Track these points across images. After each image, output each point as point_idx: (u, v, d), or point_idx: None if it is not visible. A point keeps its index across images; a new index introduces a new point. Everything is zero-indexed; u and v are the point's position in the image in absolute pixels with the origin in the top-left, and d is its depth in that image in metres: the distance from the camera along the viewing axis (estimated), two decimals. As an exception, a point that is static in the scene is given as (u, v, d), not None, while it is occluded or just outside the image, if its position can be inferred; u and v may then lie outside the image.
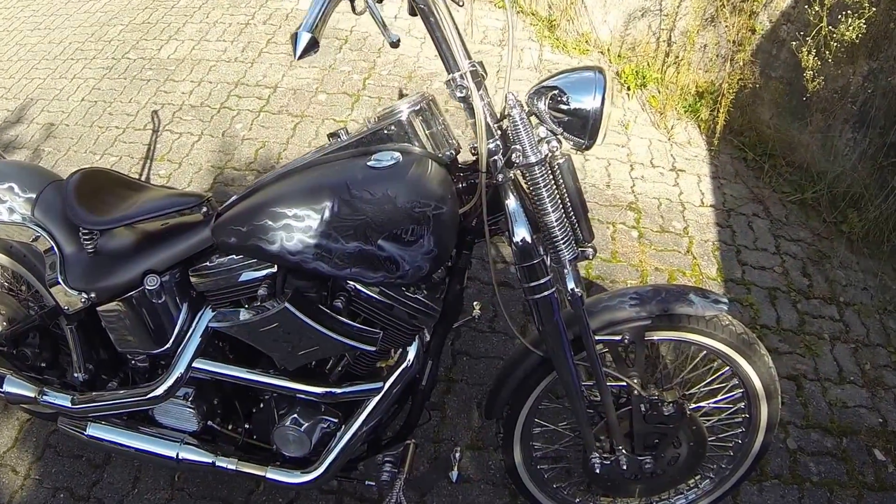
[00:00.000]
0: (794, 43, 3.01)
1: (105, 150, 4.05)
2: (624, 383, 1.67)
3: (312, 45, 1.28)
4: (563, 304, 1.54)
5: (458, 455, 1.89)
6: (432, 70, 3.98)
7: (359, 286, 1.57)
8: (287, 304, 1.55)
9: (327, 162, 1.54)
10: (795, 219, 3.05)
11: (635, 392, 1.66)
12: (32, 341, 2.10)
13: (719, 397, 1.77)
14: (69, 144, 4.18)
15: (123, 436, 1.92)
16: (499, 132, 1.44)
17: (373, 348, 1.61)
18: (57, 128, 4.37)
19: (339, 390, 1.68)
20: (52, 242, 1.81)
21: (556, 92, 1.40)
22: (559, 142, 1.43)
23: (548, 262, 1.53)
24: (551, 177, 1.46)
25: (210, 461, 1.83)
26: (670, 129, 3.45)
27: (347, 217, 1.43)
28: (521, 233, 1.46)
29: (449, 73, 1.39)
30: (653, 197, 3.10)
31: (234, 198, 1.63)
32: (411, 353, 1.66)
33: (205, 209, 1.78)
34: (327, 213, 1.44)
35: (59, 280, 1.80)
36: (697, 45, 3.46)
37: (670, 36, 3.57)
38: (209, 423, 1.90)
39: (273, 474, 1.79)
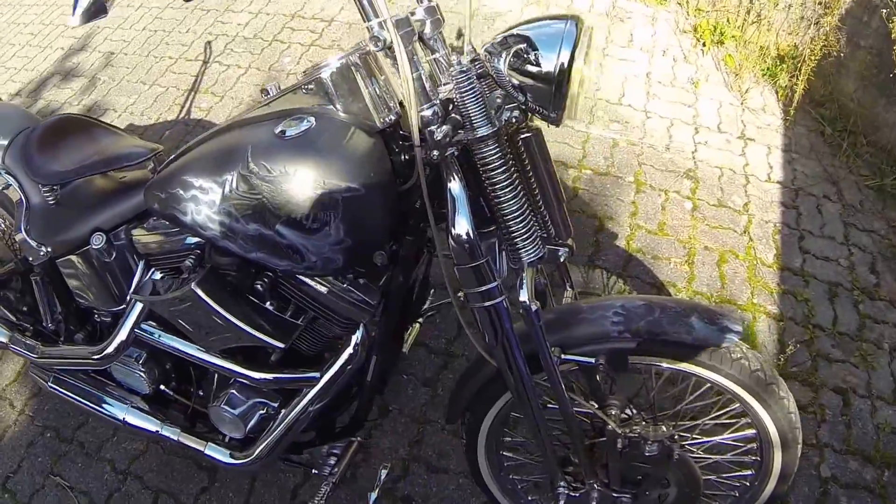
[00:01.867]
0: (884, 11, 2.62)
1: (155, 81, 3.97)
2: (601, 413, 1.35)
3: (100, 9, 1.05)
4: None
5: (384, 474, 1.67)
6: (498, 10, 3.69)
7: None
8: (193, 286, 1.37)
9: (246, 124, 1.31)
10: (871, 206, 2.63)
11: (609, 427, 1.33)
12: (15, 286, 2.05)
13: (727, 435, 1.44)
14: (123, 73, 4.11)
15: (80, 392, 1.88)
16: (438, 95, 1.15)
17: (281, 345, 1.43)
18: (116, 56, 4.31)
19: (273, 376, 1.51)
20: (20, 192, 1.74)
21: (522, 46, 1.10)
22: (522, 112, 1.15)
23: (502, 265, 1.25)
24: (510, 155, 1.17)
25: (155, 429, 1.75)
26: (744, 92, 3.06)
27: (245, 195, 1.23)
28: (459, 225, 1.13)
29: (365, 21, 1.08)
30: (715, 166, 2.75)
31: (171, 156, 1.43)
32: (351, 346, 1.42)
33: (151, 165, 1.68)
34: (227, 188, 1.25)
35: (23, 230, 1.73)
36: (782, 4, 3.07)
37: (753, -11, 3.18)
38: (161, 388, 1.81)
39: (211, 451, 1.68)
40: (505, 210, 1.16)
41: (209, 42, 4.13)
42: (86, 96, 4.05)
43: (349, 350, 1.42)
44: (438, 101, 1.13)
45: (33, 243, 1.72)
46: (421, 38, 1.18)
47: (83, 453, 2.23)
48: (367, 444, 2.04)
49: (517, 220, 1.17)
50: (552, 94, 1.09)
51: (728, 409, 1.38)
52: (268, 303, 1.46)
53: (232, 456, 1.64)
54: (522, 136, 1.19)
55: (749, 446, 1.43)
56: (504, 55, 1.10)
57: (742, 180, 2.70)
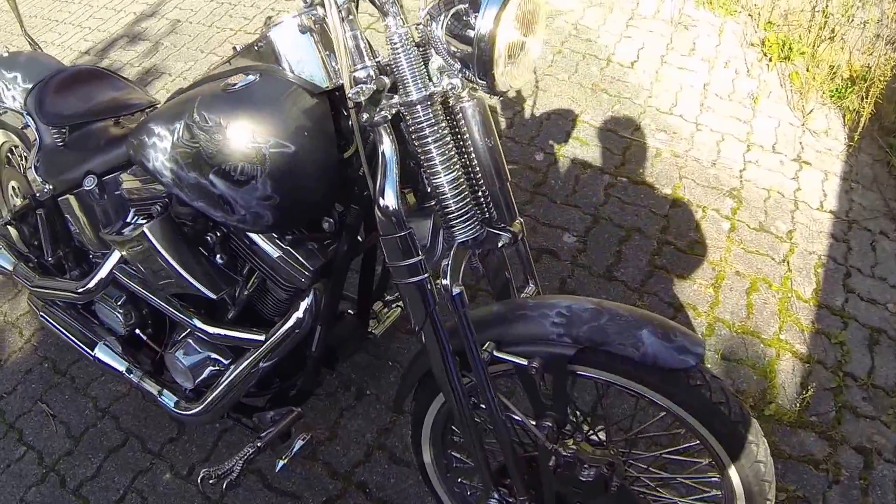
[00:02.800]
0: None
1: (212, 50, 3.97)
2: (530, 424, 1.21)
3: None
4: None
5: (299, 444, 1.59)
6: (559, 8, 3.50)
7: None
8: (144, 229, 1.44)
9: (207, 80, 1.33)
10: (934, 250, 2.35)
11: (540, 442, 1.18)
12: (30, 220, 2.15)
13: (686, 473, 1.21)
14: (185, 41, 4.11)
15: (63, 323, 1.99)
16: (376, 58, 1.13)
17: (212, 295, 1.48)
18: (181, 25, 4.32)
19: (221, 332, 1.53)
20: (35, 133, 1.86)
21: (462, 7, 1.02)
22: (463, 81, 1.08)
23: (437, 243, 1.21)
24: (445, 124, 1.12)
25: (121, 369, 1.82)
26: (807, 113, 2.79)
27: (187, 143, 1.26)
28: (386, 193, 1.08)
29: None
30: (762, 187, 2.50)
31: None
32: (296, 313, 1.41)
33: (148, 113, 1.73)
34: (175, 136, 1.28)
35: (33, 167, 1.86)
36: (857, 20, 2.79)
37: (827, 4, 2.91)
38: (137, 332, 1.87)
39: (164, 398, 1.73)
40: (436, 182, 1.12)
41: (270, 17, 4.06)
42: (147, 59, 4.07)
43: (296, 315, 1.40)
44: (373, 64, 1.09)
45: (39, 180, 1.85)
46: (372, 1, 1.14)
47: (72, 387, 2.33)
48: (306, 416, 1.92)
49: (450, 194, 1.13)
50: (475, 57, 1.02)
51: (688, 444, 1.16)
52: (217, 256, 1.51)
53: (178, 406, 1.67)
54: (463, 105, 1.14)
55: (713, 492, 1.20)
56: (443, 17, 1.04)
57: (790, 206, 2.45)
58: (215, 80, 1.31)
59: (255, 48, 1.23)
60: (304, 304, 1.40)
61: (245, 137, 1.19)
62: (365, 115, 1.08)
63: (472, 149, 1.16)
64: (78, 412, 2.25)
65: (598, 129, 2.78)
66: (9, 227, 2.28)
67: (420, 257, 1.11)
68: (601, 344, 1.08)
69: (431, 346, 1.16)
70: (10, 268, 2.15)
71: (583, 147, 2.70)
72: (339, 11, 1.04)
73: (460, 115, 1.15)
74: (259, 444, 1.56)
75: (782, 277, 2.19)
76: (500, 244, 1.20)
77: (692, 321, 2.06)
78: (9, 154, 2.33)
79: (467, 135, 1.15)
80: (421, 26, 1.08)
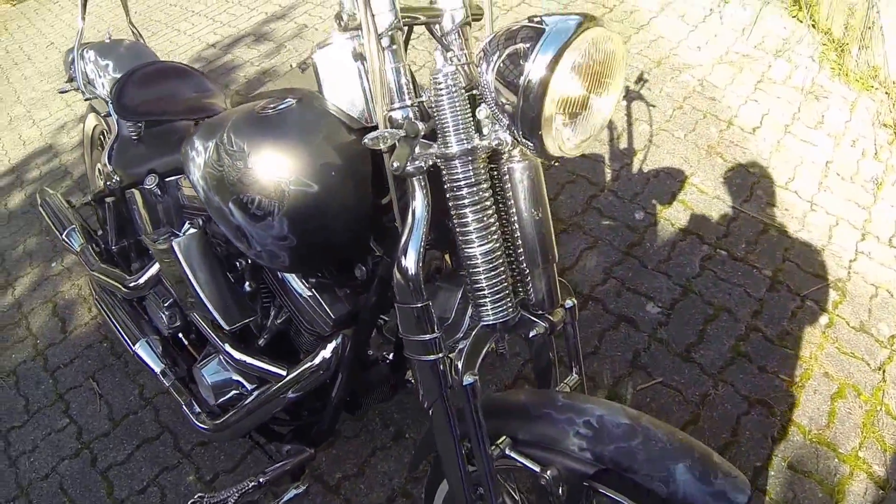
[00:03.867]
0: None
1: None
2: None
3: None
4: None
5: (291, 494, 1.60)
6: (688, 62, 3.41)
7: None
8: (173, 243, 1.43)
9: (253, 98, 1.31)
10: None
11: None
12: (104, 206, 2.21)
13: None
14: (307, 47, 4.21)
15: (113, 311, 2.04)
16: (419, 98, 1.02)
17: (226, 325, 1.45)
18: (307, 30, 4.47)
19: (245, 359, 1.49)
20: (114, 123, 1.93)
21: (522, 47, 0.87)
22: (511, 134, 0.95)
23: (463, 320, 1.11)
24: (487, 185, 0.99)
25: (157, 369, 1.84)
26: (937, 207, 2.64)
27: (213, 164, 1.21)
28: (408, 254, 0.97)
29: None
30: (871, 282, 2.35)
31: None
32: (321, 353, 1.35)
33: None
34: (207, 155, 1.24)
35: (106, 156, 1.92)
36: None
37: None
38: (179, 336, 1.89)
39: (186, 408, 1.73)
40: (468, 252, 1.00)
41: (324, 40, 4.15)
42: (267, 59, 4.23)
43: (321, 356, 1.35)
44: (414, 104, 0.99)
45: (110, 169, 1.88)
46: (430, 31, 1.09)
47: (124, 371, 2.46)
48: (317, 458, 1.93)
49: (483, 268, 1.00)
50: (519, 110, 0.88)
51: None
52: (245, 284, 1.50)
53: (200, 418, 1.67)
54: (512, 165, 1.00)
55: None
56: (496, 57, 0.89)
57: (899, 307, 2.31)
58: (255, 99, 1.29)
59: (301, 69, 1.20)
60: (329, 347, 1.34)
61: (267, 169, 1.12)
62: (396, 163, 0.94)
63: (515, 218, 1.02)
64: (123, 396, 2.37)
65: (706, 194, 2.69)
66: (90, 208, 2.37)
67: (436, 335, 1.01)
68: (626, 469, 0.95)
69: (439, 428, 1.07)
70: (77, 248, 2.22)
71: (686, 212, 2.62)
72: (380, 39, 0.96)
73: (507, 176, 1.01)
74: (260, 480, 1.56)
75: (874, 387, 2.05)
76: (531, 333, 1.07)
77: (765, 421, 1.96)
78: (100, 136, 2.38)
79: (512, 201, 1.02)
80: (475, 65, 0.98)
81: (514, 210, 1.02)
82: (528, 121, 0.88)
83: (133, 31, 2.40)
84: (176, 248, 1.43)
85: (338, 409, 1.50)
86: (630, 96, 3.21)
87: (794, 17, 3.67)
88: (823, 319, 2.24)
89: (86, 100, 2.26)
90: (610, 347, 2.19)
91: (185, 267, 1.44)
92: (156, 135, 1.90)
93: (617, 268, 2.44)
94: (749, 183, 2.73)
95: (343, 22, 0.96)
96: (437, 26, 1.09)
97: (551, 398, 1.10)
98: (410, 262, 0.97)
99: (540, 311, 1.07)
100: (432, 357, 1.01)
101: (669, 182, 2.76)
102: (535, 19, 0.88)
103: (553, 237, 1.06)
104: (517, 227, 1.03)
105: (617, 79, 0.94)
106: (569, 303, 1.14)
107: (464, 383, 1.01)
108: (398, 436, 2.05)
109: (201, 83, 1.88)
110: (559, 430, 1.02)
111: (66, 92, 2.37)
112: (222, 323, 1.45)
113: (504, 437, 1.07)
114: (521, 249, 1.04)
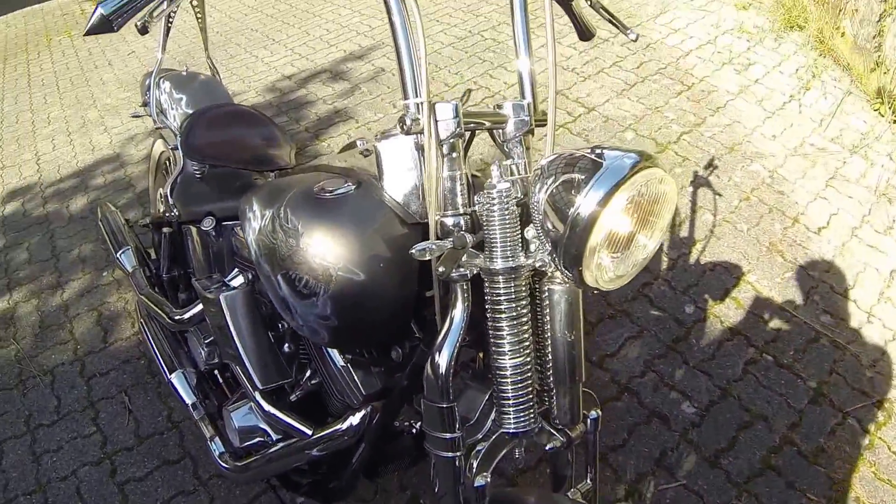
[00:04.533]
0: None
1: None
2: None
3: (105, 26, 1.03)
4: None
5: None
6: (761, 150, 3.40)
7: None
8: (220, 296, 1.46)
9: (313, 170, 1.38)
10: None
11: None
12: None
13: None
14: (382, 92, 4.38)
15: (155, 337, 2.09)
16: (472, 206, 1.06)
17: (259, 384, 1.48)
18: (383, 74, 4.60)
19: (274, 412, 1.52)
20: (181, 157, 2.00)
21: (576, 177, 0.89)
22: (552, 261, 0.97)
23: (485, 421, 1.11)
24: (526, 302, 1.03)
25: (188, 402, 1.88)
26: None
27: (268, 234, 1.25)
28: (441, 355, 1.02)
29: (403, 99, 1.03)
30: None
31: None
32: (349, 419, 1.37)
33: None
34: (262, 222, 1.29)
35: (168, 188, 2.00)
36: None
37: None
38: (215, 373, 1.94)
39: (213, 444, 1.75)
40: (499, 363, 1.04)
41: (469, 90, 4.22)
42: (341, 99, 4.36)
43: (347, 423, 1.37)
44: (467, 212, 1.04)
45: (171, 202, 1.97)
46: (493, 137, 1.14)
47: (157, 391, 2.56)
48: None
49: (510, 380, 1.04)
50: (563, 241, 0.90)
51: None
52: (285, 345, 1.53)
53: (222, 457, 1.70)
54: (552, 287, 1.03)
55: None
56: (551, 181, 0.91)
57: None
58: (315, 174, 1.35)
59: (363, 153, 1.23)
60: (357, 416, 1.36)
61: (317, 252, 1.15)
62: (441, 269, 0.98)
63: (549, 335, 1.06)
64: (152, 416, 2.48)
65: (760, 294, 2.67)
66: (146, 229, 2.48)
67: (457, 435, 1.05)
68: None
69: None
70: (129, 269, 2.30)
71: (738, 310, 2.61)
72: (441, 145, 1.01)
73: (546, 296, 1.04)
74: None
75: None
76: (548, 446, 1.13)
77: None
78: (166, 162, 2.46)
79: (548, 319, 1.05)
80: (530, 181, 0.99)
81: (548, 328, 1.06)
82: (570, 253, 0.90)
83: (210, 66, 2.48)
84: (223, 301, 1.48)
85: (356, 473, 1.52)
86: (697, 182, 3.22)
87: (876, 110, 3.62)
88: (864, 440, 2.20)
89: (156, 128, 2.36)
90: (638, 442, 2.18)
91: (229, 321, 1.49)
92: (219, 177, 1.96)
93: (658, 361, 2.44)
94: (807, 286, 2.70)
95: (406, 125, 1.01)
96: (500, 132, 1.13)
97: (552, 500, 1.16)
98: (443, 362, 1.02)
99: (560, 426, 1.12)
100: (451, 454, 1.06)
101: (725, 277, 2.75)
102: (597, 151, 0.91)
103: (582, 358, 1.09)
104: (549, 344, 1.06)
105: (664, 219, 0.96)
106: (593, 414, 1.18)
107: (475, 484, 1.06)
108: (413, 501, 2.08)
109: (270, 132, 1.93)
110: None
111: (139, 117, 2.50)
112: (256, 381, 1.50)
113: None
114: (550, 366, 1.08)
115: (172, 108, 2.16)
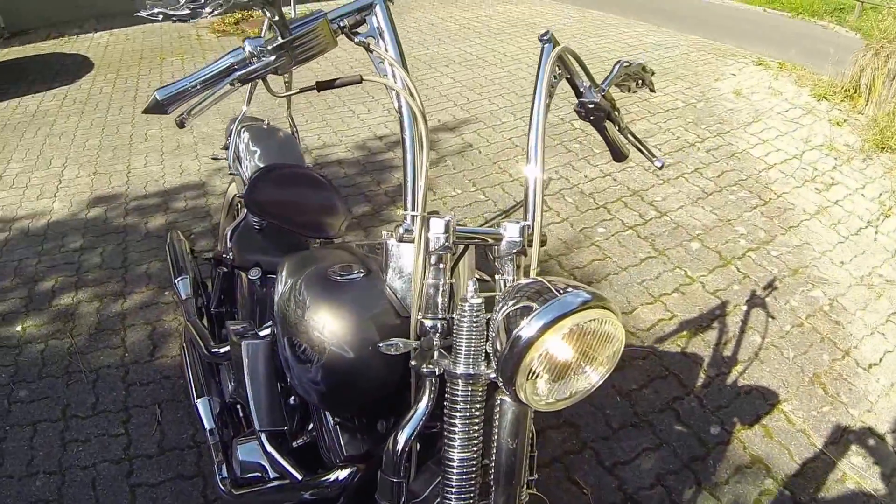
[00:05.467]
0: None
1: (481, 187, 4.25)
2: None
3: (159, 109, 1.16)
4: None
5: None
6: (825, 276, 3.37)
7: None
8: (242, 344, 1.61)
9: (336, 248, 1.53)
10: None
11: None
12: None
13: None
14: (466, 168, 4.51)
15: (191, 362, 2.18)
16: (447, 312, 1.14)
17: (256, 426, 1.61)
18: (471, 151, 4.74)
19: (274, 454, 1.61)
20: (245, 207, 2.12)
21: (531, 304, 0.98)
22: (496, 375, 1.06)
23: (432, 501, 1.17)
24: (481, 405, 1.10)
25: (207, 427, 1.96)
26: None
27: (285, 301, 1.37)
28: (400, 437, 1.14)
29: (403, 210, 1.15)
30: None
31: None
32: (333, 476, 1.44)
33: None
34: (283, 288, 1.41)
35: (228, 232, 2.18)
36: None
37: None
38: (238, 405, 2.01)
39: (217, 469, 1.81)
40: (448, 455, 1.11)
41: (549, 178, 4.33)
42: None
43: (328, 478, 1.45)
44: (445, 318, 1.12)
45: (228, 245, 2.15)
46: (486, 252, 1.21)
47: (188, 411, 2.70)
48: None
49: (455, 471, 1.11)
50: (503, 357, 0.98)
51: None
52: (291, 398, 1.65)
53: (223, 482, 1.77)
54: (502, 398, 1.11)
55: None
56: (512, 303, 1.00)
57: None
58: (336, 252, 1.49)
59: (376, 245, 1.33)
60: (340, 473, 1.44)
61: (317, 326, 1.25)
62: (414, 363, 1.10)
63: (494, 443, 1.13)
64: (177, 432, 2.63)
65: (793, 425, 2.63)
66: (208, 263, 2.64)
67: None
68: None
69: None
70: (183, 296, 2.48)
71: (764, 439, 2.58)
72: (429, 256, 1.10)
73: (497, 406, 1.11)
74: None
75: None
76: None
77: None
78: (238, 205, 2.57)
79: (496, 427, 1.12)
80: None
81: (495, 437, 1.13)
82: (507, 370, 0.97)
83: (290, 124, 2.60)
84: (243, 348, 1.65)
85: None
86: (753, 302, 3.21)
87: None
88: None
89: (230, 174, 2.52)
90: None
91: (245, 366, 1.65)
92: (275, 232, 2.10)
93: (671, 477, 2.44)
94: (844, 424, 2.64)
95: (399, 234, 1.12)
96: (495, 249, 1.19)
97: None
98: (401, 441, 1.13)
99: None
100: None
101: (759, 403, 2.72)
102: (560, 286, 0.99)
103: (524, 466, 1.16)
104: (493, 449, 1.13)
105: (608, 357, 1.03)
106: None
107: None
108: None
109: (329, 199, 2.04)
110: None
111: (218, 159, 2.70)
112: (255, 422, 1.64)
113: None
114: (492, 469, 1.15)
115: (246, 159, 2.30)
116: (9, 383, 2.98)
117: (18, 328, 3.33)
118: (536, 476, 1.31)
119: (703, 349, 2.97)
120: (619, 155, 1.47)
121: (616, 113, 1.41)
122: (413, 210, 1.14)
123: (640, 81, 1.47)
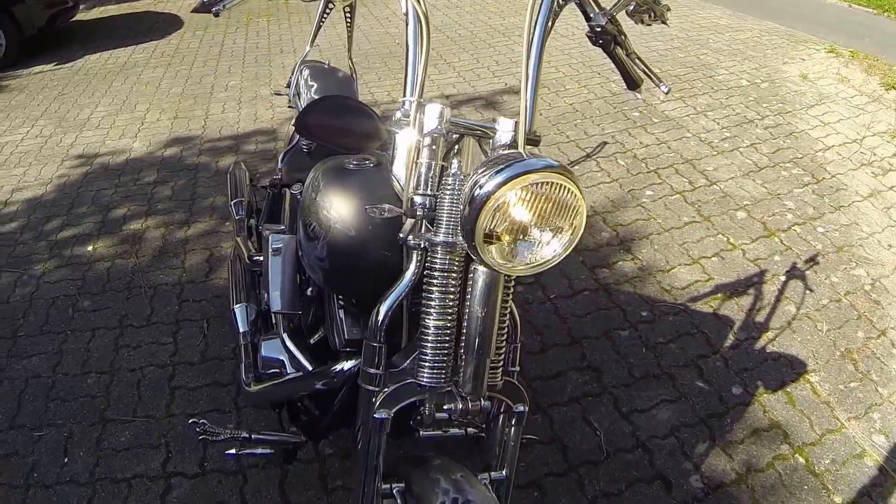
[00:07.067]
0: None
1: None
2: None
3: (204, 8, 1.26)
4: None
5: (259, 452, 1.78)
6: (871, 258, 3.10)
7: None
8: (270, 236, 1.77)
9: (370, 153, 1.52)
10: None
11: None
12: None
13: None
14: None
15: (235, 273, 2.18)
16: (436, 189, 1.13)
17: (272, 308, 1.70)
18: (561, 116, 4.55)
19: (290, 347, 1.65)
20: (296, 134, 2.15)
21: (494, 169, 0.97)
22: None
23: (419, 376, 1.16)
24: (457, 275, 1.11)
25: (241, 330, 1.93)
26: None
27: (307, 188, 1.42)
28: (385, 303, 1.15)
29: (402, 96, 1.17)
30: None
31: None
32: (337, 366, 1.45)
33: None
34: (308, 181, 1.46)
35: (281, 157, 2.23)
36: None
37: None
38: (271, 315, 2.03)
39: (243, 368, 1.80)
40: (424, 322, 1.12)
41: (604, 143, 4.16)
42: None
43: (334, 367, 1.46)
44: (433, 195, 1.11)
45: (279, 167, 2.21)
46: (480, 146, 1.23)
47: (232, 327, 2.58)
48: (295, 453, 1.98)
49: (430, 338, 1.12)
50: (462, 217, 0.99)
51: None
52: (308, 289, 1.70)
53: (245, 379, 1.78)
54: (474, 267, 1.10)
55: None
56: (481, 170, 0.99)
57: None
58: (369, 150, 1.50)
59: (389, 132, 1.31)
60: (343, 364, 1.44)
61: (326, 206, 1.30)
62: (401, 235, 1.13)
63: (466, 310, 1.12)
64: (220, 345, 2.70)
65: (817, 396, 2.44)
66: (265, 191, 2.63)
67: (379, 372, 1.17)
68: None
69: (362, 447, 1.21)
70: (236, 216, 2.48)
71: (786, 405, 2.40)
72: (423, 137, 1.12)
73: (472, 276, 1.11)
74: (249, 436, 1.70)
75: None
76: (446, 406, 1.18)
77: None
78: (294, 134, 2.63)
79: (468, 299, 1.12)
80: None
81: (469, 305, 1.11)
82: (468, 225, 0.97)
83: (350, 65, 2.58)
84: (269, 240, 1.74)
85: (337, 416, 1.60)
86: (792, 273, 3.00)
87: None
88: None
89: (289, 107, 2.52)
90: (632, 497, 2.05)
91: (269, 255, 1.73)
92: (320, 153, 2.04)
93: (685, 430, 2.28)
94: (869, 402, 2.44)
95: (396, 118, 1.16)
96: (489, 142, 1.19)
97: (450, 473, 1.20)
98: (383, 309, 1.14)
99: (462, 394, 1.16)
100: (372, 388, 1.18)
101: (785, 370, 2.54)
102: (525, 154, 0.98)
103: (493, 337, 1.13)
104: (466, 320, 1.12)
105: (569, 225, 1.02)
106: (519, 407, 1.27)
107: (375, 415, 1.17)
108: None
109: (373, 125, 1.96)
110: (435, 496, 1.14)
111: (280, 95, 2.70)
112: (271, 304, 1.68)
113: (402, 482, 1.23)
114: (465, 340, 1.13)
115: (305, 94, 2.28)
116: (75, 294, 3.09)
117: (89, 248, 3.45)
118: (518, 368, 1.31)
119: (736, 313, 2.79)
120: (632, 82, 1.43)
121: (624, 38, 1.37)
122: (411, 96, 1.16)
123: (652, 14, 1.41)
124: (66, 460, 2.30)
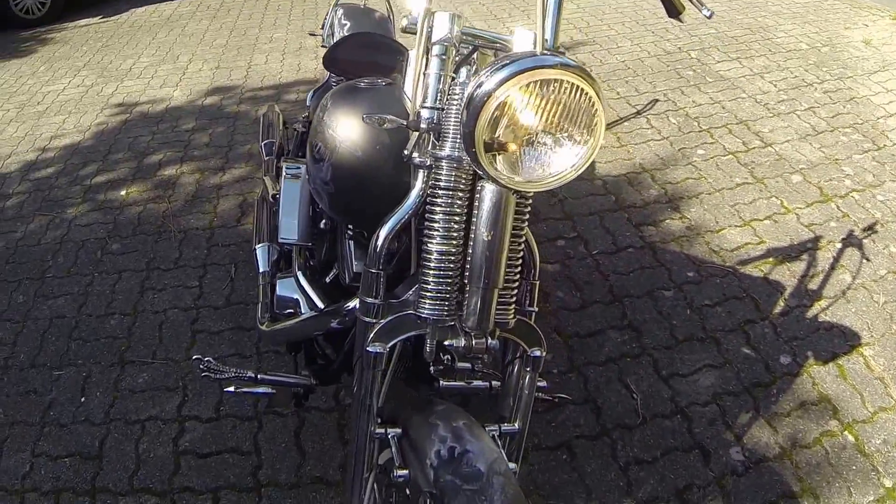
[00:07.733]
0: None
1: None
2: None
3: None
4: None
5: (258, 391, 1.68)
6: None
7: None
8: (284, 167, 1.71)
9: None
10: None
11: None
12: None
13: None
14: (631, 88, 4.12)
15: (261, 212, 2.10)
16: (444, 102, 1.01)
17: (281, 236, 1.65)
18: (612, 73, 4.34)
19: (304, 284, 1.57)
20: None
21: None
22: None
23: (420, 307, 1.04)
24: (463, 195, 0.99)
25: (261, 269, 1.87)
26: None
27: (318, 111, 1.34)
28: (386, 225, 1.03)
29: (407, 5, 1.02)
30: None
31: None
32: (348, 303, 1.34)
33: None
34: (321, 104, 1.37)
35: (309, 94, 2.15)
36: None
37: None
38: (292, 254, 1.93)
39: (260, 307, 1.75)
40: (426, 247, 1.01)
41: (656, 100, 3.92)
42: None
43: (345, 305, 1.36)
44: (440, 108, 0.99)
45: (307, 104, 2.12)
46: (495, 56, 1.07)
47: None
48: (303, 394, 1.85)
49: (433, 265, 1.00)
50: (461, 122, 0.87)
51: None
52: (322, 222, 1.64)
53: (261, 318, 1.71)
54: (481, 184, 0.97)
55: None
56: (485, 71, 0.86)
57: None
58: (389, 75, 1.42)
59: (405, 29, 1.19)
60: (352, 301, 1.33)
61: (332, 125, 1.22)
62: (406, 152, 1.02)
63: (472, 234, 0.99)
64: (246, 289, 2.61)
65: (871, 371, 2.22)
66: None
67: (377, 302, 1.06)
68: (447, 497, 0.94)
69: (357, 382, 1.11)
70: (265, 156, 2.38)
71: (837, 379, 2.19)
72: (431, 47, 0.99)
73: (479, 194, 0.98)
74: (255, 376, 1.61)
75: None
76: (446, 342, 1.06)
77: None
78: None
79: (475, 218, 0.99)
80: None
81: (472, 229, 1.00)
82: (465, 132, 0.86)
83: (387, 6, 2.48)
84: (283, 170, 1.67)
85: (347, 358, 1.48)
86: (849, 241, 2.76)
87: None
88: None
89: (322, 46, 2.36)
90: (668, 466, 1.89)
91: (283, 186, 1.66)
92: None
93: (728, 398, 2.10)
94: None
95: (404, 25, 1.01)
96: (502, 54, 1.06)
97: (452, 420, 1.07)
98: (383, 233, 1.03)
99: (468, 331, 1.04)
100: (369, 319, 1.07)
101: (838, 342, 2.32)
102: (537, 51, 0.85)
103: (501, 265, 1.00)
104: (471, 244, 1.00)
105: (585, 132, 0.88)
106: (535, 352, 1.15)
107: (368, 349, 1.06)
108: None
109: (402, 62, 1.93)
110: (430, 443, 1.02)
111: (315, 35, 2.57)
112: (281, 232, 1.62)
113: (398, 425, 1.12)
114: (471, 261, 1.00)
115: (338, 32, 2.18)
116: (105, 237, 3.03)
117: (122, 192, 3.39)
118: (537, 308, 1.19)
119: (787, 279, 2.57)
120: (672, 9, 1.27)
121: None
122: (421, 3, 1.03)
123: None
124: (82, 400, 2.23)
